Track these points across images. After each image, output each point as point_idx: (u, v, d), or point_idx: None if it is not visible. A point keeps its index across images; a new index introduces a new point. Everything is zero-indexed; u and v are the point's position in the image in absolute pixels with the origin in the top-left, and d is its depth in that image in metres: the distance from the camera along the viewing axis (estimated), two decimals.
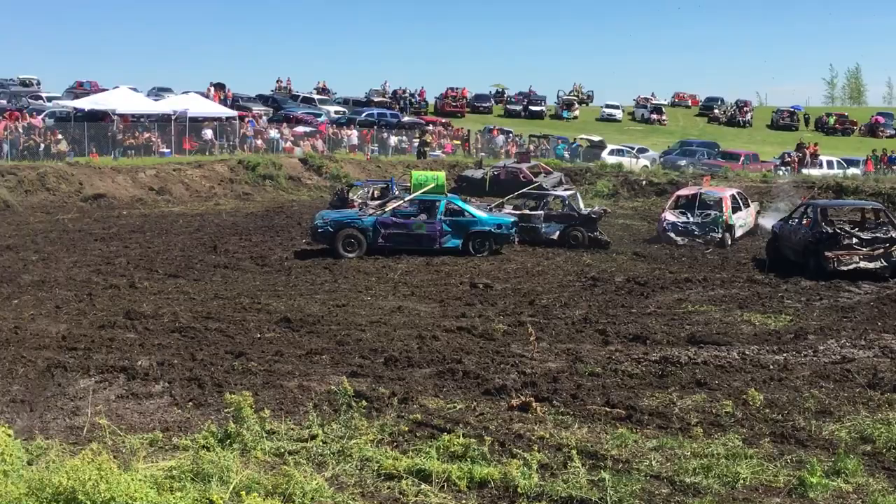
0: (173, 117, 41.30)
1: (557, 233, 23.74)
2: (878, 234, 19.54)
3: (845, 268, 18.85)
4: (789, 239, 20.83)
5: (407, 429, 8.60)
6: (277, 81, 70.41)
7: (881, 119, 76.07)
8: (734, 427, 8.99)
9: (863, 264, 18.94)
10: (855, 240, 19.21)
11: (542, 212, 24.24)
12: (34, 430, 8.64)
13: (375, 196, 27.35)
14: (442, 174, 24.13)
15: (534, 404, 9.46)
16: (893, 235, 19.31)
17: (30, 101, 48.79)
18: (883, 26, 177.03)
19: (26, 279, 17.63)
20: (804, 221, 20.79)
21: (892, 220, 20.05)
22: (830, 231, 19.35)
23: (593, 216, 23.85)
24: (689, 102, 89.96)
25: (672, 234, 24.16)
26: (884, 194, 31.04)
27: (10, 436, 6.49)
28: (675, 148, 51.45)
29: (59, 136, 36.97)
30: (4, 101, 45.59)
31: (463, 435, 8.20)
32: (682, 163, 44.24)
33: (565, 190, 28.53)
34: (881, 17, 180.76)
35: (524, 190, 27.34)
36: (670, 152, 49.63)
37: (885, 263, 18.98)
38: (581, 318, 14.75)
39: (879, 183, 33.64)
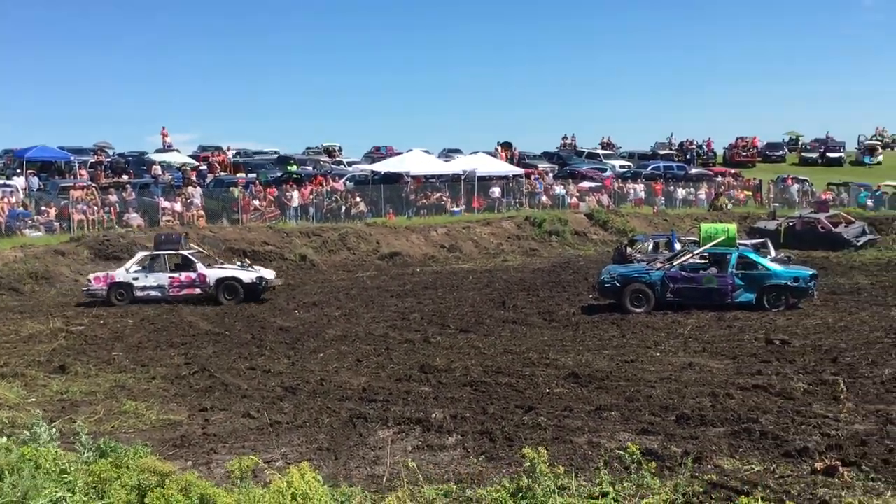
0: (463, 177, 42.90)
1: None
2: None
3: None
4: None
5: (701, 490, 8.28)
6: (563, 138, 71.29)
7: None
8: None
9: None
10: None
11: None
12: (339, 476, 9.13)
13: (651, 250, 27.18)
14: (733, 226, 23.28)
15: (841, 469, 8.83)
16: None
17: (332, 166, 52.26)
18: None
19: (330, 334, 18.88)
20: None
21: None
22: None
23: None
24: None
25: None
26: None
27: (319, 482, 6.86)
28: None
29: (358, 199, 39.44)
30: (310, 168, 49.08)
31: (762, 498, 7.75)
32: None
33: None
34: None
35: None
36: None
37: None
38: (891, 377, 13.59)
39: None
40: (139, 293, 24.03)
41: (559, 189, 45.84)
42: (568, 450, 9.95)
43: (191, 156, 52.90)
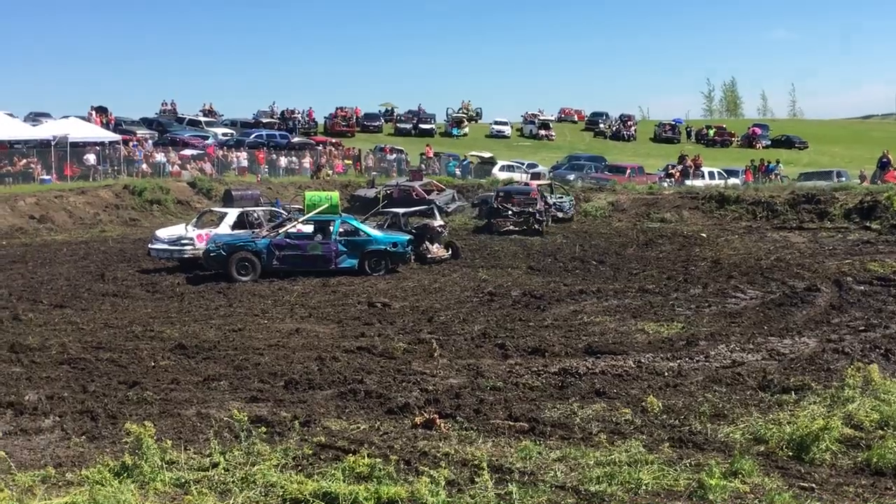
0: (53, 143, 40.02)
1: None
2: (522, 209, 30.39)
3: (503, 230, 29.69)
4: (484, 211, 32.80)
5: (311, 452, 8.46)
6: (162, 104, 69.12)
7: (758, 130, 79.00)
8: (634, 434, 9.14)
9: (511, 227, 29.88)
10: (509, 213, 30.42)
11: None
12: None
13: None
14: (335, 194, 23.93)
15: (437, 421, 9.44)
16: (531, 210, 30.16)
17: None
18: (757, 40, 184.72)
19: None
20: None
21: (537, 201, 30.85)
22: (495, 207, 30.92)
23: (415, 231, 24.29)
24: (576, 117, 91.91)
25: None
26: (763, 202, 32.13)
27: None
28: (564, 162, 52.35)
29: None
30: None
31: (368, 455, 8.10)
32: (571, 177, 44.97)
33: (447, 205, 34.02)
34: (755, 32, 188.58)
35: (378, 208, 28.77)
36: (559, 167, 50.44)
37: (525, 227, 29.83)
38: (480, 333, 14.82)
39: (759, 192, 34.74)
40: None
41: (160, 157, 44.40)
42: (176, 423, 9.72)
43: None
